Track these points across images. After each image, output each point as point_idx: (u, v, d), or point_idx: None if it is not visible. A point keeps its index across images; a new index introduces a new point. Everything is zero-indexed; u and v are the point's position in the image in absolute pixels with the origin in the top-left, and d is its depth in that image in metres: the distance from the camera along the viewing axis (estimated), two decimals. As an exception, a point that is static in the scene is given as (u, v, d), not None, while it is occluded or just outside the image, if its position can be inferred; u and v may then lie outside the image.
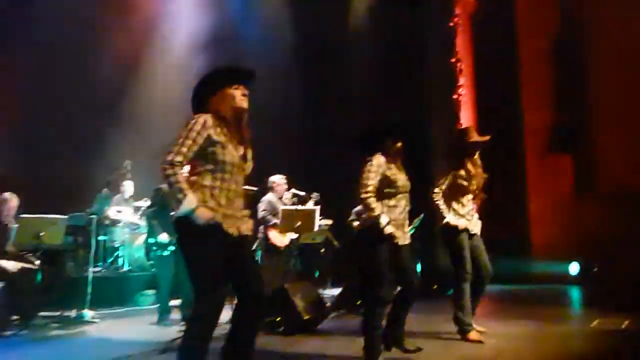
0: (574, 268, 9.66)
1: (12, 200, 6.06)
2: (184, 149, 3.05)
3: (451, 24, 11.70)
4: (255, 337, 3.21)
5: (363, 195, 4.03)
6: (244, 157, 3.20)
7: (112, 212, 8.17)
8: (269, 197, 7.35)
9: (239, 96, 3.21)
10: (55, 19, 7.98)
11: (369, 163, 4.10)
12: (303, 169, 9.58)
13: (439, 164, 6.47)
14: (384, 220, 3.98)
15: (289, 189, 7.47)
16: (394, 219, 4.08)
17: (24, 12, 7.85)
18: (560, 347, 4.61)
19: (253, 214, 7.06)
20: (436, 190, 5.02)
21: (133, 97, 9.00)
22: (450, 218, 4.96)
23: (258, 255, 8.25)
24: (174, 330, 5.61)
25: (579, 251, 9.72)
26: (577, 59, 10.70)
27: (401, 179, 4.17)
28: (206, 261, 3.04)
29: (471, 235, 5.06)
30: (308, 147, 10.74)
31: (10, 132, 7.84)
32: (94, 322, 6.27)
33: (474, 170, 5.10)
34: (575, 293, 8.82)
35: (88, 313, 6.37)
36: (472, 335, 4.76)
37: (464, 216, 5.03)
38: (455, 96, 11.43)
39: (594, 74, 10.48)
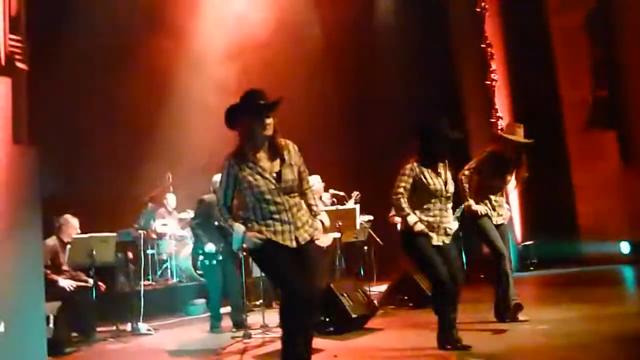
0: (625, 247, 9.42)
1: (72, 220, 6.31)
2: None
3: (478, 9, 11.55)
4: (309, 340, 3.48)
5: (393, 197, 4.30)
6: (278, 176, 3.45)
7: (157, 225, 8.36)
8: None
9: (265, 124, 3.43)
10: (91, 39, 8.21)
11: (403, 167, 4.32)
12: (342, 167, 9.63)
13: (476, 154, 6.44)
14: (412, 219, 4.23)
15: (327, 190, 7.52)
16: (426, 220, 4.26)
17: (62, 37, 8.08)
18: (613, 329, 4.49)
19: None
20: (465, 172, 5.12)
21: (168, 112, 9.18)
22: (471, 202, 5.09)
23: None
24: (227, 337, 5.76)
25: (629, 229, 9.47)
26: (611, 32, 10.42)
27: (435, 182, 4.28)
28: (271, 271, 3.55)
29: (496, 226, 5.15)
30: (345, 145, 10.74)
31: (52, 155, 8.11)
32: (149, 333, 6.44)
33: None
34: (628, 273, 8.60)
35: (142, 326, 6.55)
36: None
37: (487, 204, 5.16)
38: (488, 82, 11.27)
39: (629, 45, 10.18)
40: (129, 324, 6.60)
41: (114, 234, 6.50)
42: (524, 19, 11.07)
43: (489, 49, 11.41)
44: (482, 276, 8.09)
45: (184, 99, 9.25)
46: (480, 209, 5.09)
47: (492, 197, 5.21)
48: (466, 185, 5.09)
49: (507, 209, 5.34)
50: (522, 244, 10.51)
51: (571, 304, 5.76)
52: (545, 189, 10.57)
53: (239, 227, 3.45)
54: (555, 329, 4.64)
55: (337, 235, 7.03)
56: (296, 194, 3.50)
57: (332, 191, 7.50)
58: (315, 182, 7.43)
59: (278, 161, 3.47)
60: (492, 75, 11.32)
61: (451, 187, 4.36)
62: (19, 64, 4.55)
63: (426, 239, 4.24)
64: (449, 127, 4.35)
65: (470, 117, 10.81)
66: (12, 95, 4.48)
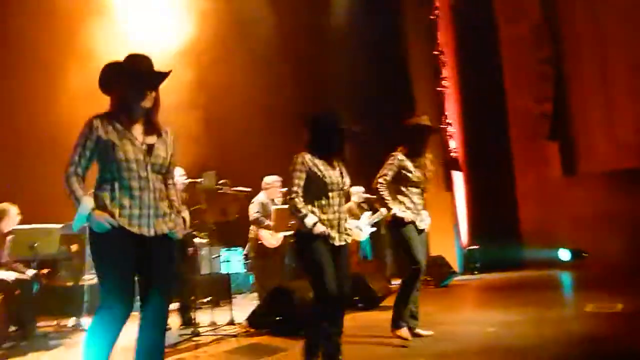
0: (564, 254, 9.79)
1: (11, 210, 6.01)
2: None
3: (432, 17, 11.79)
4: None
5: (287, 197, 4.04)
6: (149, 148, 3.10)
7: (103, 219, 8.12)
8: (260, 197, 7.34)
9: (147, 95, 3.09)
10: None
11: (293, 162, 3.92)
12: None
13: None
14: (310, 220, 3.76)
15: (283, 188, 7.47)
16: (327, 219, 3.82)
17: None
18: (559, 332, 4.67)
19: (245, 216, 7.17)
20: (380, 180, 4.85)
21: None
22: (396, 210, 4.80)
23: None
24: (175, 335, 5.64)
25: (569, 236, 9.85)
26: (555, 45, 10.83)
27: (331, 175, 3.90)
28: (104, 267, 3.01)
29: (420, 231, 4.89)
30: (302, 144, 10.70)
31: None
32: (93, 330, 6.24)
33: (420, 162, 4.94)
34: (567, 278, 8.95)
35: (85, 321, 6.33)
36: (403, 332, 4.63)
37: (411, 209, 4.86)
38: (439, 88, 11.52)
39: (572, 59, 10.62)
40: (72, 319, 6.38)
41: (59, 226, 6.25)
42: (475, 27, 11.38)
43: (440, 56, 11.66)
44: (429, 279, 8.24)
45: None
46: (408, 215, 4.78)
47: (415, 201, 4.89)
48: (385, 193, 4.82)
49: (426, 214, 5.02)
50: (467, 248, 10.78)
51: (516, 307, 5.94)
52: (491, 195, 10.90)
53: (87, 202, 2.93)
54: (503, 331, 4.76)
55: (289, 233, 7.04)
56: (162, 180, 3.14)
57: (284, 189, 7.45)
58: (272, 182, 7.39)
59: (153, 136, 3.12)
60: (443, 82, 11.58)
61: (347, 180, 4.00)
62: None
63: (324, 244, 3.77)
64: (345, 121, 3.99)
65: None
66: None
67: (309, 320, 3.87)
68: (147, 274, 3.07)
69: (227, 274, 7.32)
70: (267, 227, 7.07)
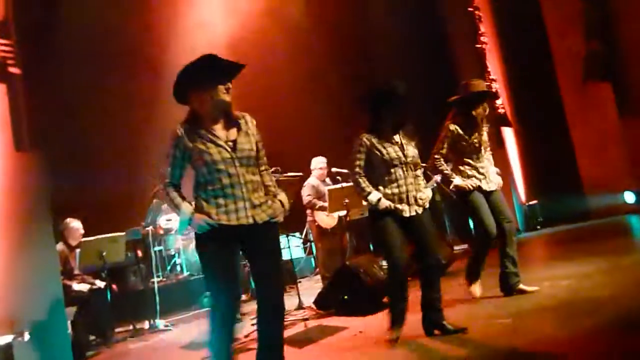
0: (629, 197, 9.43)
1: (73, 223, 6.24)
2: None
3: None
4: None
5: (351, 178, 4.08)
6: (233, 144, 3.15)
7: (162, 221, 8.31)
8: (311, 180, 7.38)
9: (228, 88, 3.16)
10: (83, 40, 8.11)
11: (355, 144, 4.06)
12: (343, 145, 9.55)
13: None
14: (374, 196, 3.94)
15: (330, 169, 7.48)
16: (392, 193, 3.97)
17: (55, 39, 7.97)
18: (635, 279, 4.50)
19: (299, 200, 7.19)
20: (435, 156, 4.83)
21: (163, 106, 9.04)
22: (457, 180, 4.78)
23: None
24: (247, 325, 5.73)
25: (632, 179, 9.47)
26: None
27: (390, 151, 4.00)
28: (212, 270, 3.20)
29: (489, 193, 4.83)
30: (346, 124, 10.63)
31: (53, 159, 8.03)
32: (168, 329, 6.44)
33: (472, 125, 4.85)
34: (636, 222, 8.62)
35: (160, 322, 6.55)
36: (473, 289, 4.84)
37: (474, 175, 4.82)
38: (478, 45, 11.19)
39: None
40: (147, 322, 6.59)
41: (123, 233, 6.47)
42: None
43: (476, 12, 11.32)
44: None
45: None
46: (469, 183, 4.75)
47: (477, 165, 4.84)
48: (444, 167, 4.81)
49: (496, 172, 4.99)
50: (527, 204, 10.53)
51: (585, 258, 5.75)
52: (545, 147, 10.57)
53: (186, 208, 3.11)
54: (577, 283, 4.62)
55: (343, 213, 7.03)
56: (254, 170, 3.20)
57: (335, 169, 7.44)
58: (317, 164, 7.41)
59: (234, 130, 3.19)
60: (482, 38, 11.24)
61: (411, 152, 4.05)
62: (12, 69, 4.46)
63: (392, 218, 3.92)
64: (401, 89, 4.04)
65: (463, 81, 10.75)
66: (8, 101, 4.39)
67: (387, 292, 4.08)
68: (257, 264, 3.22)
69: (290, 259, 7.38)
70: (322, 209, 7.12)
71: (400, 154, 4.00)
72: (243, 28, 9.63)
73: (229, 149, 3.12)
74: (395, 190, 3.97)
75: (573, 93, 10.67)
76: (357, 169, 4.01)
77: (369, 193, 3.95)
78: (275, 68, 9.77)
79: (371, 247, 9.04)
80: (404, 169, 4.01)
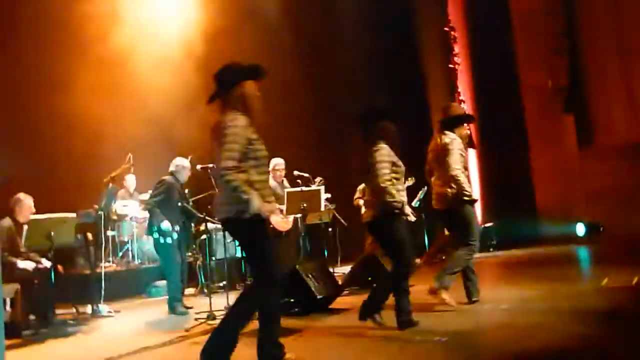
0: (580, 229, 9.70)
1: (26, 199, 6.09)
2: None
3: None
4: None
5: (381, 184, 4.29)
6: None
7: (118, 207, 8.20)
8: (270, 182, 7.36)
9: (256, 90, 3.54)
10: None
11: (376, 154, 4.34)
12: (304, 150, 9.57)
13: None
14: (403, 205, 4.36)
15: (291, 172, 7.48)
16: (402, 201, 4.38)
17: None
18: (574, 307, 4.64)
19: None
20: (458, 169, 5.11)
21: (130, 94, 8.95)
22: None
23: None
24: (190, 318, 5.70)
25: (585, 210, 9.76)
26: (570, 16, 10.61)
27: (401, 163, 4.44)
28: (265, 248, 3.50)
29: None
30: (308, 128, 10.67)
31: (11, 134, 7.87)
32: (110, 315, 6.34)
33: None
34: (583, 253, 8.87)
35: (103, 307, 6.44)
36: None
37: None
38: (451, 65, 11.39)
39: (586, 30, 10.41)
40: (89, 306, 6.47)
41: (74, 215, 6.33)
42: (485, 1, 11.20)
43: (452, 32, 11.52)
44: (443, 257, 8.21)
45: (146, 82, 9.00)
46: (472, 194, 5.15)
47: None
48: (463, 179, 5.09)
49: None
50: (482, 225, 10.72)
51: (530, 283, 5.91)
52: (505, 171, 10.82)
53: (257, 196, 3.29)
54: (516, 308, 4.75)
55: (298, 216, 7.07)
56: None
57: (296, 172, 7.45)
58: (278, 165, 7.40)
59: None
60: (455, 58, 11.44)
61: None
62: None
63: (403, 220, 4.36)
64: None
65: (433, 101, 10.92)
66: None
67: (395, 285, 4.40)
68: None
69: (241, 257, 7.36)
70: (279, 212, 7.11)
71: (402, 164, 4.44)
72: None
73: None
74: (404, 198, 4.40)
75: (537, 122, 10.97)
76: (387, 177, 4.30)
77: (399, 201, 4.31)
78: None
79: (325, 253, 9.12)
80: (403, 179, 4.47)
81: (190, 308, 6.26)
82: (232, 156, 3.27)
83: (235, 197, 3.27)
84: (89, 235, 7.06)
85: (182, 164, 6.49)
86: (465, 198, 5.02)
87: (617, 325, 3.99)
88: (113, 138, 8.43)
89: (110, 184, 7.27)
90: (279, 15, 10.31)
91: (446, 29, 11.54)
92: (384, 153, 4.35)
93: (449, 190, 5.05)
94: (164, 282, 7.76)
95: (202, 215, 6.21)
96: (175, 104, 8.70)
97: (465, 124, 5.42)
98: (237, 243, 7.40)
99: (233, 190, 3.26)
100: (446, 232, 7.01)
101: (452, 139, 5.13)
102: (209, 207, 6.86)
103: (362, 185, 7.33)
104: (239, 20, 9.50)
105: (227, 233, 7.92)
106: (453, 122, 5.27)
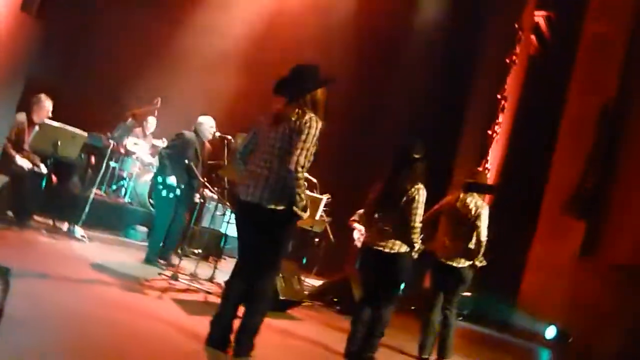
0: (551, 331, 9.64)
1: (46, 101, 6.17)
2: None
3: (507, 60, 11.64)
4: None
5: (418, 225, 4.41)
6: None
7: (129, 143, 8.28)
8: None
9: None
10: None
11: (420, 194, 4.40)
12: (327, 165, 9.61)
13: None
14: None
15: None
16: None
17: None
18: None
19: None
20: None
21: (184, 44, 9.09)
22: None
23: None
24: (154, 271, 5.76)
25: (562, 316, 9.69)
26: (617, 129, 10.56)
27: None
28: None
29: None
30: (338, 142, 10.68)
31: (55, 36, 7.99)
32: (82, 240, 6.35)
33: None
34: (544, 356, 8.81)
35: (78, 230, 6.45)
36: None
37: None
38: (490, 132, 11.40)
39: (628, 146, 10.35)
40: (66, 224, 6.52)
41: (85, 134, 6.40)
42: (543, 88, 11.19)
43: (503, 101, 11.53)
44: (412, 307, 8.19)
45: (201, 38, 9.13)
46: None
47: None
48: None
49: None
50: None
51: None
52: (501, 250, 10.75)
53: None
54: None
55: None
56: None
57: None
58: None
59: None
60: (496, 127, 11.45)
61: None
62: None
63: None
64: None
65: (460, 159, 10.93)
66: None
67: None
68: None
69: (225, 233, 7.37)
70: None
71: None
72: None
73: None
74: None
75: (548, 219, 10.90)
76: (420, 219, 4.41)
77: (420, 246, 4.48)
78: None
79: (304, 261, 9.15)
80: None
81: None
82: (310, 158, 3.53)
83: (292, 193, 3.50)
84: (92, 159, 7.15)
85: (207, 122, 6.48)
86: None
87: None
88: (150, 78, 8.55)
89: (130, 119, 7.36)
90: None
91: (499, 96, 11.53)
92: (425, 195, 4.43)
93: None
94: (144, 228, 7.84)
95: (203, 180, 6.24)
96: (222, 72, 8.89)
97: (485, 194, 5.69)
98: (225, 218, 7.46)
99: (297, 188, 3.50)
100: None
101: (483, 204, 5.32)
102: (214, 175, 6.93)
103: (361, 210, 7.35)
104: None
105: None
106: (478, 188, 5.45)
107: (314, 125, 3.54)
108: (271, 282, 3.79)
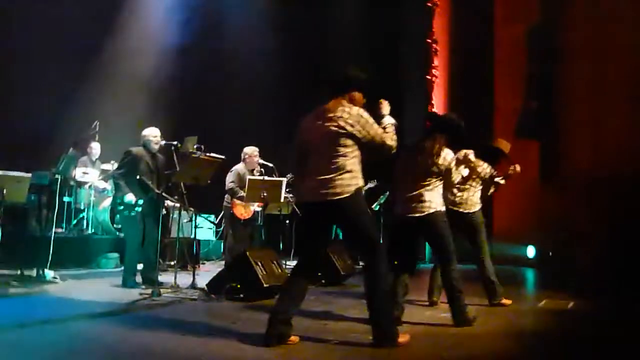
0: (530, 251, 9.95)
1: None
2: None
3: (429, 3, 11.76)
4: None
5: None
6: None
7: (78, 173, 8.11)
8: (238, 167, 7.37)
9: None
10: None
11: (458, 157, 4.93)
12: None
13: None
14: None
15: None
16: None
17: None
18: (509, 323, 4.82)
19: (221, 184, 7.18)
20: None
21: (107, 59, 8.90)
22: None
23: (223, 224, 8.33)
24: (135, 293, 5.69)
25: (537, 235, 10.00)
26: (550, 48, 10.82)
27: None
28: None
29: None
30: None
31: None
32: (55, 281, 6.24)
33: None
34: (530, 275, 9.10)
35: (49, 273, 6.33)
36: None
37: None
38: (428, 77, 11.53)
39: (565, 63, 10.63)
40: (35, 270, 6.37)
41: (28, 175, 6.22)
42: (471, 22, 11.35)
43: (434, 45, 11.66)
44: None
45: (125, 48, 8.96)
46: None
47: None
48: None
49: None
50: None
51: (471, 298, 6.00)
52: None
53: None
54: (450, 319, 4.84)
55: (259, 208, 7.14)
56: None
57: (261, 161, 7.48)
58: (250, 152, 7.41)
59: None
60: (434, 70, 11.59)
61: None
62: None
63: None
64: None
65: (406, 108, 11.03)
66: None
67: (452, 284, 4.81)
68: None
69: (196, 239, 7.34)
70: (241, 198, 7.12)
71: None
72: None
73: None
74: None
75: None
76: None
77: None
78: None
79: (281, 246, 9.17)
80: None
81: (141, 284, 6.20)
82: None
83: (355, 177, 3.74)
84: (43, 198, 6.98)
85: (150, 133, 6.41)
86: None
87: (545, 344, 4.14)
88: (82, 103, 8.37)
89: (72, 149, 7.18)
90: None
91: (429, 40, 11.66)
92: (465, 159, 5.03)
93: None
94: (115, 254, 7.74)
95: (158, 192, 6.17)
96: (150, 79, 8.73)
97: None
98: (194, 224, 7.40)
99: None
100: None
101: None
102: (169, 184, 6.84)
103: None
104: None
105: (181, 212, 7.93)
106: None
107: (365, 113, 3.89)
108: (380, 266, 3.80)
